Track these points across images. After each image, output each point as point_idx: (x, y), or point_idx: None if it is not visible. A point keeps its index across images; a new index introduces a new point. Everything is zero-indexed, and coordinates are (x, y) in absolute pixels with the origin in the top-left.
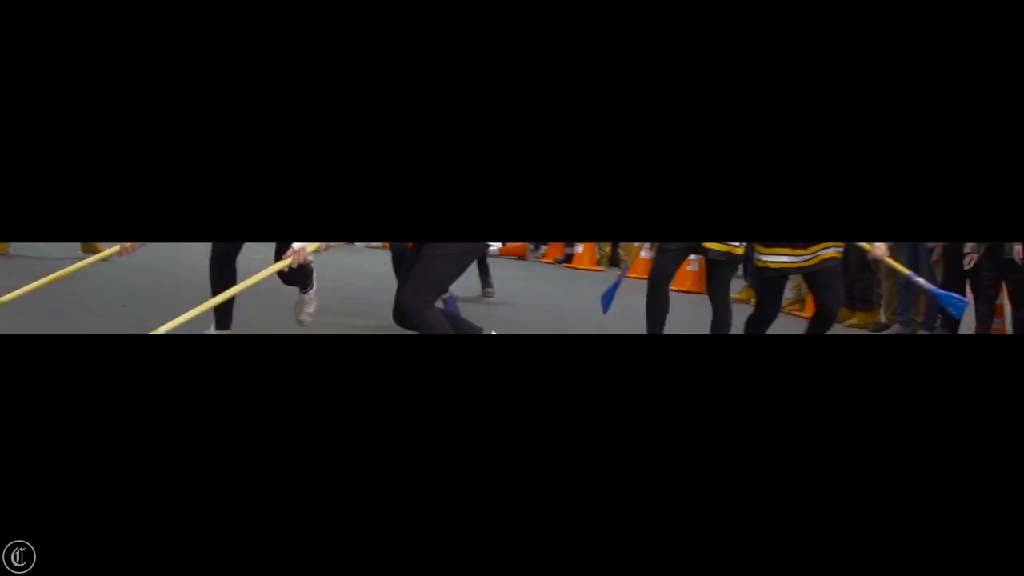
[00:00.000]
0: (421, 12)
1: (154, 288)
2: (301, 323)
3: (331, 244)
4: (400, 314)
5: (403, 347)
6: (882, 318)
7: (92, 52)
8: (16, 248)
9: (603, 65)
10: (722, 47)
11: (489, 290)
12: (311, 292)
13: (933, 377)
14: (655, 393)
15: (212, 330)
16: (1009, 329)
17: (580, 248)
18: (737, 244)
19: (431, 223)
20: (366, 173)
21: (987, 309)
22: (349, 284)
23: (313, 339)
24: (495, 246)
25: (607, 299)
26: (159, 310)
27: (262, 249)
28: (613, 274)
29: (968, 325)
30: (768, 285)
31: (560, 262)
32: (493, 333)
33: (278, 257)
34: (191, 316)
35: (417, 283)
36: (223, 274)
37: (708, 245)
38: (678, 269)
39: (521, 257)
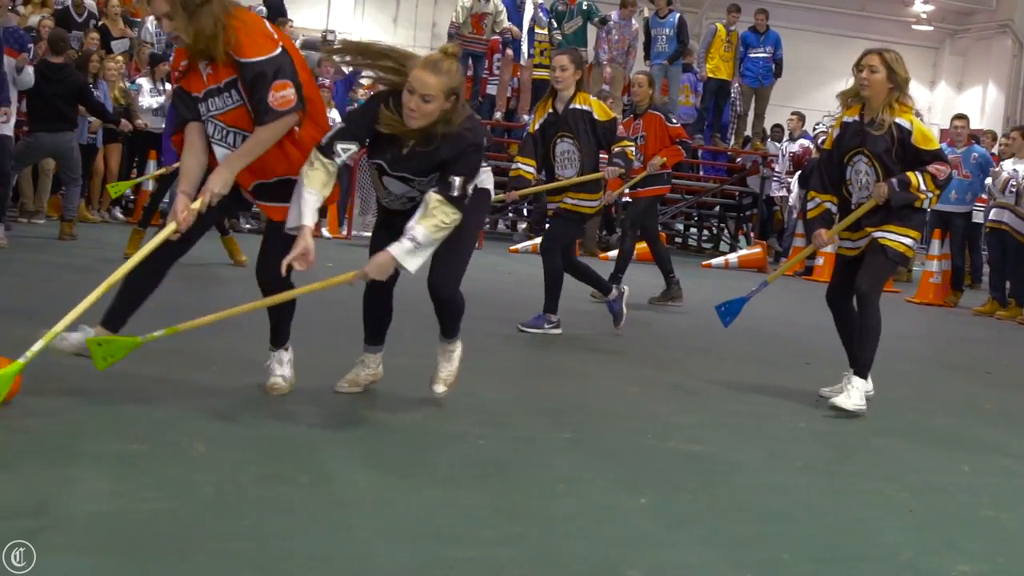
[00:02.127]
0: None
1: None
2: (273, 389)
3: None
4: (439, 297)
5: None
6: None
7: None
8: None
9: None
10: None
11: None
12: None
13: None
14: None
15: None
16: None
17: (820, 260)
18: (912, 245)
19: None
20: None
21: None
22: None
23: None
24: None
25: (733, 310)
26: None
27: None
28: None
29: None
30: None
31: (800, 275)
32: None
33: None
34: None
35: (449, 268)
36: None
37: (887, 242)
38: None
39: (761, 269)
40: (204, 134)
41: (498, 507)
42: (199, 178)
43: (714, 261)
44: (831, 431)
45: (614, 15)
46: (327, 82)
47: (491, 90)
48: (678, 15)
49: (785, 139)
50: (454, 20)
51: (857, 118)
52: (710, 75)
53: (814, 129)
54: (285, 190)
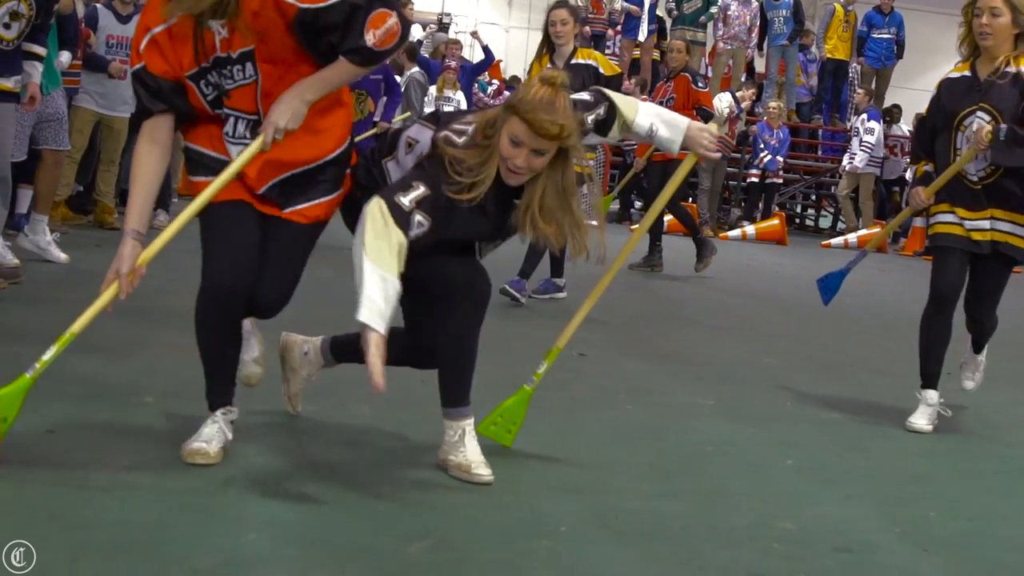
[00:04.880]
0: None
1: None
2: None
3: None
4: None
5: None
6: None
7: None
8: None
9: None
10: None
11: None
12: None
13: None
14: None
15: None
16: None
17: None
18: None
19: None
20: None
21: None
22: None
23: None
24: None
25: (831, 286)
26: None
27: None
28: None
29: None
30: None
31: (919, 255)
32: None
33: None
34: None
35: None
36: None
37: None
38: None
39: (881, 249)
40: (170, 139)
41: (653, 465)
42: (151, 209)
43: (833, 241)
44: (967, 401)
45: None
46: (453, 63)
47: None
48: None
49: (851, 114)
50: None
51: (968, 74)
52: (828, 55)
53: None
54: (311, 184)
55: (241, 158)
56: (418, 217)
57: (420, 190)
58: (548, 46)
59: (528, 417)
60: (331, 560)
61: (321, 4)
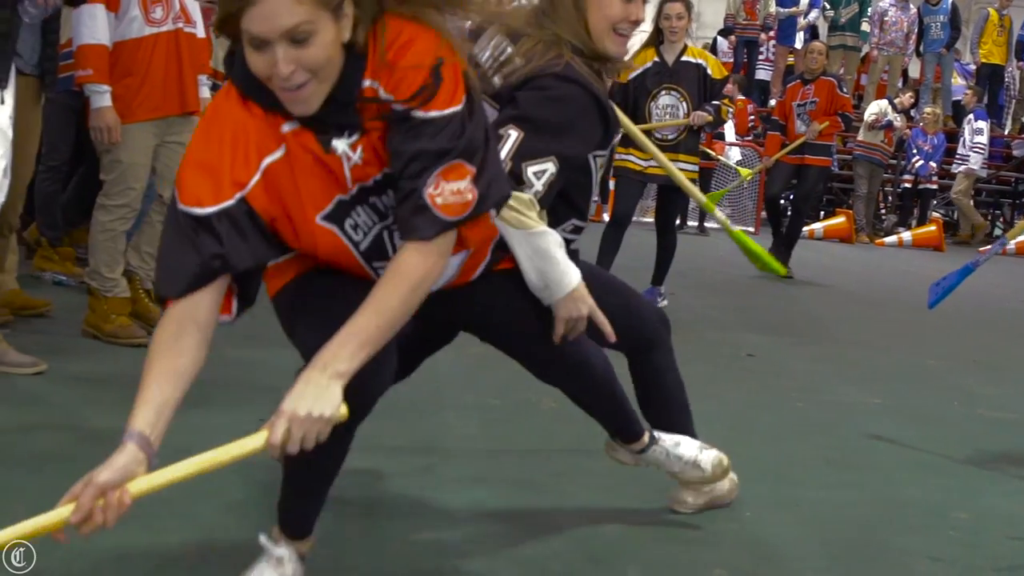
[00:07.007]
0: None
1: None
2: None
3: None
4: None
5: None
6: None
7: None
8: None
9: None
10: None
11: None
12: None
13: None
14: None
15: None
16: None
17: None
18: None
19: None
20: None
21: None
22: None
23: None
24: None
25: (951, 283)
26: None
27: None
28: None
29: None
30: None
31: None
32: None
33: None
34: None
35: None
36: None
37: None
38: None
39: None
40: (214, 320)
41: (828, 459)
42: (171, 414)
43: (990, 247)
44: None
45: None
46: None
47: (762, 75)
48: (951, 1)
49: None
50: (729, 12)
51: None
52: (983, 60)
53: None
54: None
55: (229, 454)
56: (531, 169)
57: (512, 136)
58: (656, 38)
59: (704, 413)
60: (533, 539)
61: (431, 112)
